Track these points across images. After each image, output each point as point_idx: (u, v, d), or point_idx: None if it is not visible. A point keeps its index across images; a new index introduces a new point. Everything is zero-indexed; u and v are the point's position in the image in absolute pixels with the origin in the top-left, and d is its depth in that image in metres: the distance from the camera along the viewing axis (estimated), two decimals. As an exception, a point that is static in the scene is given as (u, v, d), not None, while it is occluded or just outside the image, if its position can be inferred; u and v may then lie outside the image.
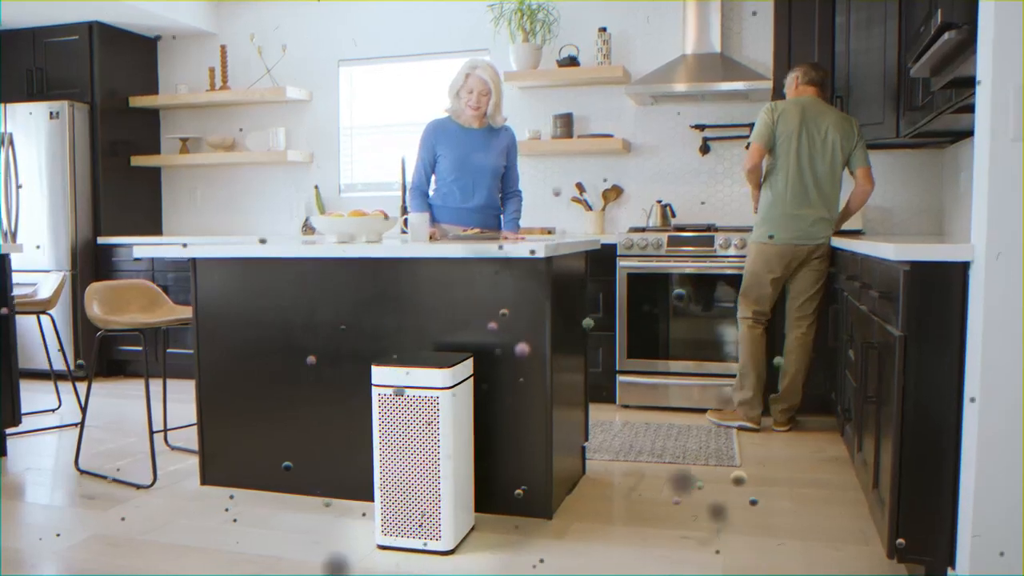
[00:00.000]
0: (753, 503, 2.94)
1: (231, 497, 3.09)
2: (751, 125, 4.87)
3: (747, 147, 3.96)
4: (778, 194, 3.91)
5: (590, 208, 5.12)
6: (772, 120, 3.86)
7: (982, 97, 2.00)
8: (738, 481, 2.74)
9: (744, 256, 4.31)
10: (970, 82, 2.44)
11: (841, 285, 3.75)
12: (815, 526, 2.76)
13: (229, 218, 5.98)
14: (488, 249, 2.70)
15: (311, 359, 2.98)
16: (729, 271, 4.36)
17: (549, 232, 5.04)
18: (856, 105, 4.32)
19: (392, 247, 2.88)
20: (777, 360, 3.89)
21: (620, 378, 4.54)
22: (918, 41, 2.56)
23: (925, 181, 4.68)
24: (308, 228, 5.66)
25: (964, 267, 2.07)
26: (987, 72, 1.95)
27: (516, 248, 2.64)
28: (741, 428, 4.03)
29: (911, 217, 4.72)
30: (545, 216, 5.25)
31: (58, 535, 2.75)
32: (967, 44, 2.15)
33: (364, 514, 2.87)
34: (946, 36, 2.11)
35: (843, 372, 3.47)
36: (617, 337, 4.53)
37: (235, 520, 2.86)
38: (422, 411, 2.50)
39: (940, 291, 2.10)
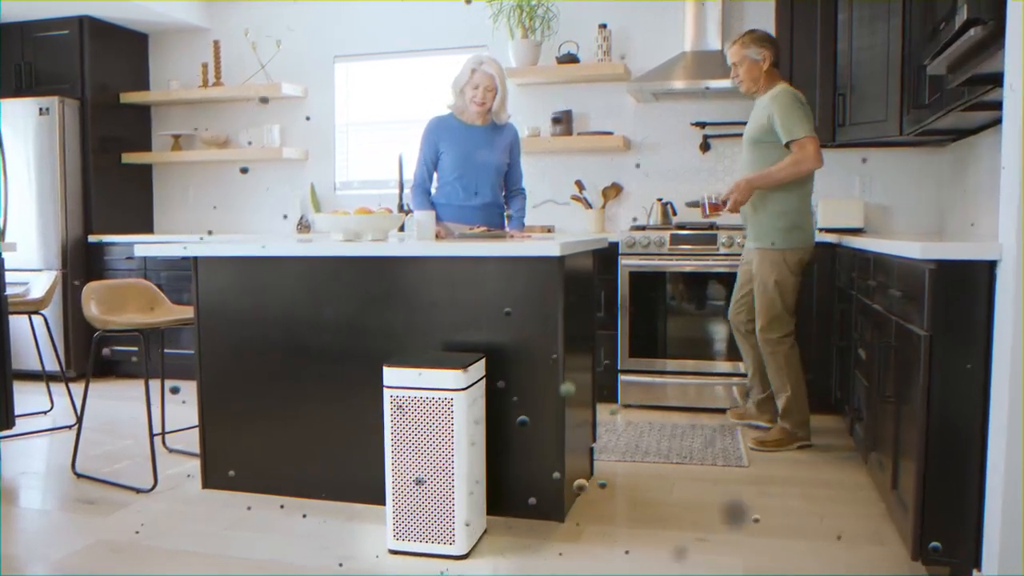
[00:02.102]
0: (580, 489, 2.84)
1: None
2: (753, 123, 4.87)
3: (787, 145, 3.46)
4: (806, 194, 3.58)
5: (590, 206, 5.08)
6: (809, 111, 3.52)
7: (1011, 94, 1.98)
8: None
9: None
10: (989, 79, 2.42)
11: (847, 284, 3.73)
12: (830, 528, 2.73)
13: (222, 216, 5.90)
14: (506, 248, 2.66)
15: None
16: (731, 270, 4.32)
17: (549, 230, 5.00)
18: (859, 103, 4.30)
19: (403, 246, 2.83)
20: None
21: (622, 377, 4.51)
22: (936, 38, 2.53)
23: (925, 179, 4.67)
24: (303, 226, 5.58)
25: (991, 266, 2.05)
26: (1017, 68, 1.92)
27: (539, 246, 2.60)
28: (801, 448, 3.64)
29: (910, 215, 4.71)
30: (545, 214, 5.20)
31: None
32: (992, 40, 2.13)
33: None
34: (971, 32, 2.09)
35: (852, 371, 3.45)
36: (619, 336, 4.50)
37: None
38: (435, 413, 2.45)
39: (966, 290, 2.08)
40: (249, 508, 2.95)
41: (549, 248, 2.59)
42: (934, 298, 2.10)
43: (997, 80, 2.37)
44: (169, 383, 3.85)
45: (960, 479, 2.11)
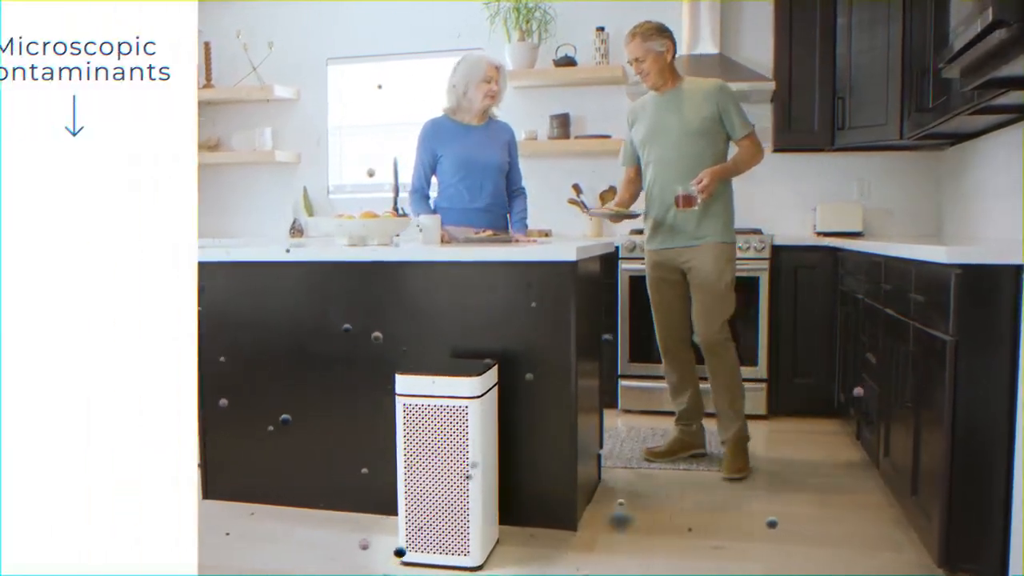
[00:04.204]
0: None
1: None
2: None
3: (753, 136, 3.37)
4: (732, 188, 3.47)
5: (586, 209, 5.03)
6: None
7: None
8: None
9: (746, 259, 4.27)
10: (1007, 82, 2.41)
11: (852, 288, 3.71)
12: (845, 533, 2.70)
13: (213, 220, 5.79)
14: (521, 252, 2.62)
15: None
16: (736, 273, 4.29)
17: (546, 234, 4.96)
18: (858, 106, 4.31)
19: (412, 250, 2.79)
20: None
21: (622, 382, 4.48)
22: (949, 42, 2.52)
23: (923, 183, 4.67)
24: (296, 230, 5.51)
25: (1017, 270, 2.03)
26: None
27: (554, 251, 2.57)
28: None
29: (908, 218, 4.71)
30: (541, 218, 5.15)
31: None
32: (1014, 43, 2.11)
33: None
34: (996, 34, 2.07)
35: (859, 376, 3.43)
36: (619, 341, 4.46)
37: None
38: (449, 421, 2.40)
39: (992, 295, 2.06)
40: (252, 514, 2.88)
41: (565, 253, 2.55)
42: (960, 303, 2.08)
43: (1016, 83, 2.36)
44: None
45: (986, 485, 2.09)
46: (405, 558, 2.47)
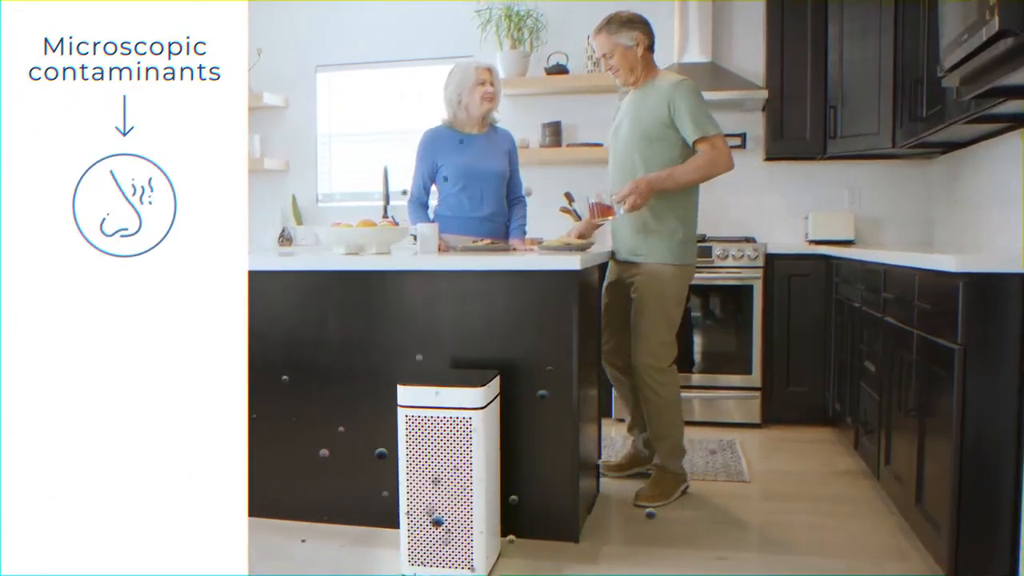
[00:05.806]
0: None
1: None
2: (743, 135, 4.86)
3: (712, 141, 2.98)
4: (696, 202, 3.17)
5: (579, 218, 5.02)
6: None
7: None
8: None
9: (740, 267, 4.28)
10: (1009, 91, 2.42)
11: (847, 296, 3.72)
12: (848, 543, 2.69)
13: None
14: (523, 261, 2.60)
15: None
16: (728, 282, 4.31)
17: (537, 243, 4.93)
18: (850, 115, 4.33)
19: (412, 259, 2.76)
20: None
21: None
22: (953, 50, 2.53)
23: (913, 191, 4.69)
24: (284, 239, 5.45)
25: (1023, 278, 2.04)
26: (1054, 79, 1.92)
27: (557, 260, 2.54)
28: (684, 492, 3.19)
29: (899, 227, 4.73)
30: (533, 226, 5.13)
31: (303, 540, 2.63)
32: (1018, 52, 2.12)
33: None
34: (1001, 43, 2.08)
35: (857, 384, 3.43)
36: (613, 349, 4.44)
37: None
38: (453, 433, 2.36)
39: (999, 303, 2.06)
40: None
41: (569, 262, 2.53)
42: (967, 311, 2.08)
43: (1018, 92, 2.38)
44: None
45: (995, 493, 2.09)
46: (407, 572, 2.42)
